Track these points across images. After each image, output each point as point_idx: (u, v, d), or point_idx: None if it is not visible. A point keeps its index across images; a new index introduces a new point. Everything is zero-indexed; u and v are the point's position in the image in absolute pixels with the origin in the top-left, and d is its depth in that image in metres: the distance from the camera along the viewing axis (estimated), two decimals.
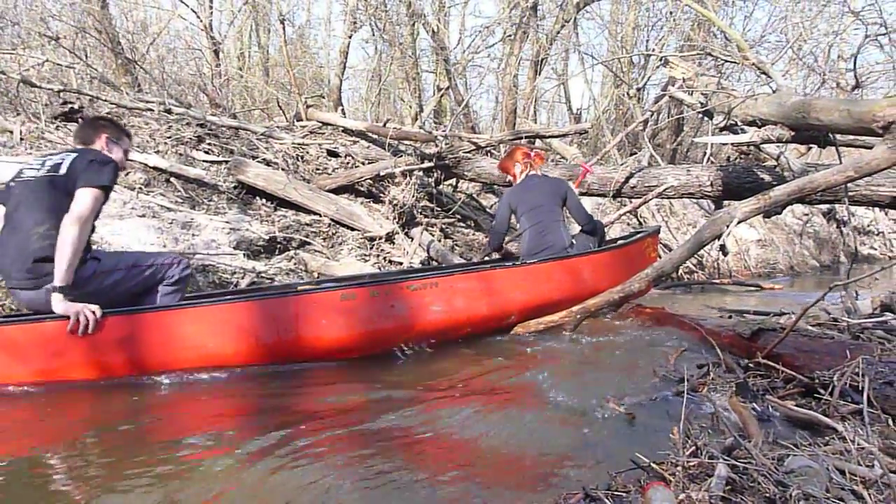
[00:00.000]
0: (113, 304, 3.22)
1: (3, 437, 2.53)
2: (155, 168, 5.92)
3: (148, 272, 3.44)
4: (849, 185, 4.35)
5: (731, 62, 6.26)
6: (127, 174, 5.73)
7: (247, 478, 2.05)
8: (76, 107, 6.67)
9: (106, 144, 3.52)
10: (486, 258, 6.40)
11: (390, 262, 5.97)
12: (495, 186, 7.71)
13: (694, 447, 1.94)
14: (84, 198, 3.11)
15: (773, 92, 5.01)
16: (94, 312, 3.04)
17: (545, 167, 5.20)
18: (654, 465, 1.88)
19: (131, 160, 5.87)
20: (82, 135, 3.55)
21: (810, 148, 9.46)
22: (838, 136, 4.75)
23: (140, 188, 5.56)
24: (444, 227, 7.05)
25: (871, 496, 1.64)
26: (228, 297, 3.82)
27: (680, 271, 8.09)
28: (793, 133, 4.59)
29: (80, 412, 2.80)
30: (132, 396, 2.98)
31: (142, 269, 3.43)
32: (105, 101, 7.04)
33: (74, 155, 3.28)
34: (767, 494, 1.68)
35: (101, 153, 3.37)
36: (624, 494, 1.78)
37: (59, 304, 3.02)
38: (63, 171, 3.21)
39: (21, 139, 5.84)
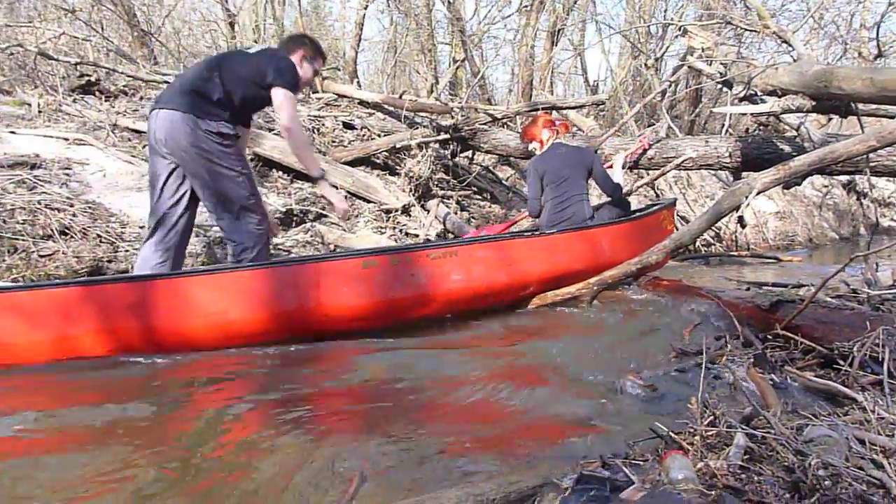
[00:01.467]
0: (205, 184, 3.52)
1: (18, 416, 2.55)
2: None
3: (248, 195, 3.61)
4: (870, 155, 4.30)
5: (752, 31, 6.16)
6: (144, 146, 5.75)
7: (265, 453, 2.06)
8: (93, 79, 6.69)
9: (300, 61, 3.81)
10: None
11: (406, 234, 5.97)
12: (511, 158, 7.66)
13: (712, 417, 1.93)
14: (279, 99, 3.54)
15: (794, 61, 4.94)
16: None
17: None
18: (672, 435, 1.88)
19: None
20: (283, 46, 3.90)
21: (831, 119, 9.34)
22: (860, 106, 4.69)
23: None
24: (460, 199, 7.05)
25: (891, 465, 1.63)
26: (248, 264, 3.77)
27: (697, 244, 8.04)
28: (814, 103, 4.54)
29: (96, 387, 2.81)
30: (148, 369, 2.97)
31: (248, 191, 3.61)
32: (122, 73, 7.04)
33: (267, 46, 3.87)
34: (786, 463, 1.68)
35: (289, 60, 3.73)
36: (641, 463, 1.78)
37: (327, 188, 3.80)
38: (254, 50, 3.75)
39: (39, 112, 5.87)
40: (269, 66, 3.57)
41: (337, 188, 3.61)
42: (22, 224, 4.29)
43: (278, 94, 3.54)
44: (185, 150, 3.43)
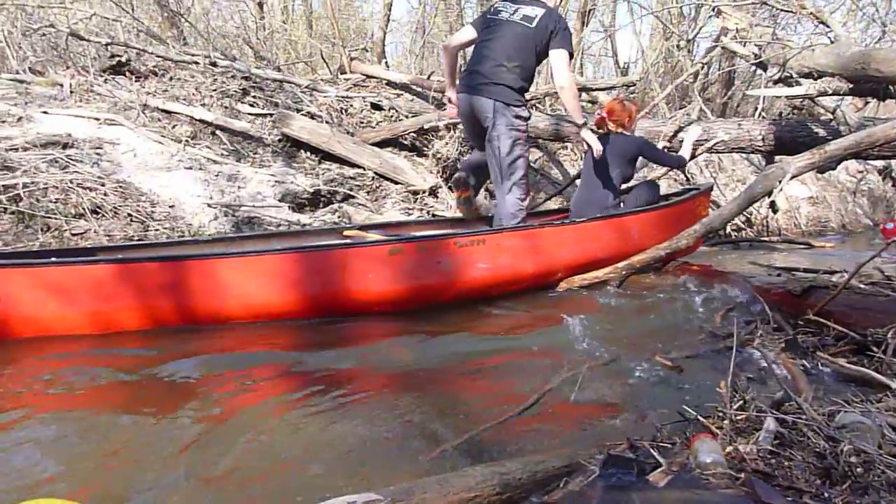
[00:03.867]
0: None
1: (51, 385, 2.59)
2: (201, 121, 5.97)
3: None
4: None
5: (788, 12, 6.03)
6: (174, 127, 5.79)
7: (292, 430, 2.08)
8: (123, 60, 6.73)
9: (559, 2, 4.45)
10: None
11: (434, 215, 5.96)
12: (540, 141, 7.60)
13: (742, 401, 1.91)
14: (561, 61, 4.19)
15: (831, 42, 4.84)
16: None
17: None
18: (700, 418, 1.86)
19: (177, 112, 5.93)
20: None
21: (868, 102, 9.14)
22: None
23: (187, 141, 5.61)
24: (487, 181, 7.00)
25: None
26: (276, 248, 3.78)
27: (728, 229, 7.93)
28: (851, 85, 4.45)
29: (124, 361, 2.84)
30: (177, 346, 2.98)
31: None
32: (152, 54, 7.08)
33: (542, 11, 4.22)
34: (817, 449, 1.65)
35: (564, 20, 4.34)
36: (669, 446, 1.77)
37: (588, 134, 4.54)
38: (533, 24, 4.19)
39: (71, 92, 5.93)
40: (552, 27, 4.15)
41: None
42: (54, 203, 4.35)
43: (560, 56, 4.18)
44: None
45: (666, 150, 5.39)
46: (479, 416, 2.16)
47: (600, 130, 4.95)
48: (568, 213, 5.07)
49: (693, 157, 5.33)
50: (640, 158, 4.85)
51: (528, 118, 4.42)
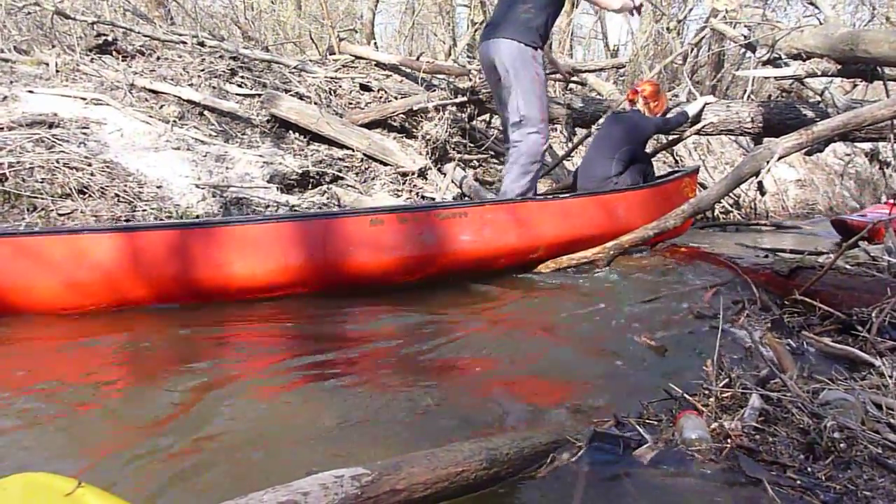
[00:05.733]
0: None
1: (45, 360, 2.59)
2: (189, 101, 5.92)
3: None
4: (895, 121, 4.23)
5: None
6: (161, 107, 5.75)
7: (280, 405, 2.09)
8: (110, 39, 6.66)
9: None
10: None
11: (423, 197, 5.96)
12: None
13: (727, 378, 1.93)
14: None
15: (820, 24, 4.84)
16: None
17: None
18: (686, 396, 1.88)
19: (165, 92, 5.88)
20: None
21: (856, 85, 9.16)
22: (887, 70, 4.60)
23: (174, 121, 5.57)
24: (477, 162, 7.00)
25: None
26: (258, 218, 3.76)
27: (716, 211, 7.97)
28: (839, 67, 4.46)
29: (118, 334, 2.84)
30: (166, 320, 2.98)
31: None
32: (138, 33, 7.02)
33: None
34: (801, 425, 1.67)
35: None
36: (655, 423, 1.79)
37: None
38: None
39: (57, 71, 5.87)
40: None
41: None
42: (41, 183, 4.31)
43: None
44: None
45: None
46: (467, 393, 2.17)
47: (625, 104, 5.11)
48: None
49: (697, 120, 5.49)
50: None
51: (543, 64, 4.69)
